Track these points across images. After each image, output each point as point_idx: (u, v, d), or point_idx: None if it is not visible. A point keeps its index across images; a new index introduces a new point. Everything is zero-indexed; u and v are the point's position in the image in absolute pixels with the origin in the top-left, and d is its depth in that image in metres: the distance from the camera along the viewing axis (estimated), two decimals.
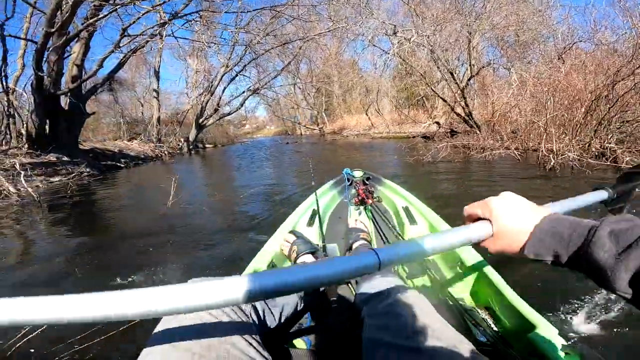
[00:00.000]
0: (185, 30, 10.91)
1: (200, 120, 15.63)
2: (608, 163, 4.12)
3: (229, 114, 17.36)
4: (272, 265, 1.18)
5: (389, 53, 11.40)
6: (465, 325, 0.89)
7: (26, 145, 8.14)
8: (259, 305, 0.72)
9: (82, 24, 8.12)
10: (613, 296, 1.42)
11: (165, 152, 14.22)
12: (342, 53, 22.67)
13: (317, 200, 1.67)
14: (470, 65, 9.23)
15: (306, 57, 19.80)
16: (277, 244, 1.27)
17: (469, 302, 1.07)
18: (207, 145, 18.94)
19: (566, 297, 1.42)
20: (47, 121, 8.42)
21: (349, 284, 1.01)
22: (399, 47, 10.15)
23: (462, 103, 9.16)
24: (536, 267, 1.68)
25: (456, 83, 9.23)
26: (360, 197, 1.98)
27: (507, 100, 6.67)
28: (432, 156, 5.82)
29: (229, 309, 0.62)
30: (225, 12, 10.68)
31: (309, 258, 1.13)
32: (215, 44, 11.95)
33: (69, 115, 9.12)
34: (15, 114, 8.29)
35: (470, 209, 0.49)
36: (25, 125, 8.39)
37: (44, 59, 7.57)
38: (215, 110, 15.81)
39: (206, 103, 15.41)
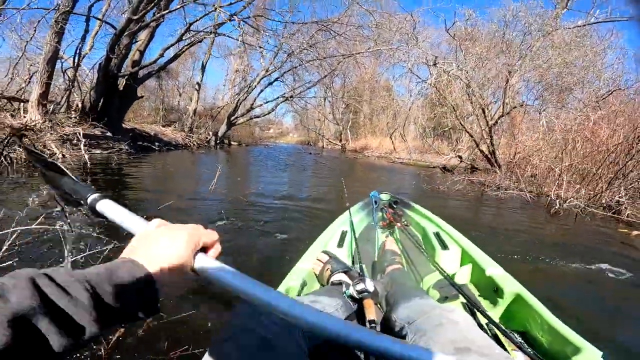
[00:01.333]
0: (237, 31, 11.91)
1: (232, 117, 16.53)
2: (610, 214, 4.48)
3: (259, 116, 18.23)
4: (304, 283, 1.21)
5: (426, 82, 12.02)
6: (503, 347, 0.90)
7: (75, 117, 9.09)
8: None
9: (154, 15, 9.10)
10: None
11: (194, 143, 15.15)
12: (379, 75, 23.50)
13: (350, 222, 1.78)
14: (503, 103, 9.66)
15: (342, 72, 20.67)
16: (309, 262, 1.32)
17: (504, 326, 1.04)
18: (232, 143, 19.87)
19: (610, 318, 1.43)
20: (102, 99, 9.37)
21: (379, 305, 1.06)
22: (437, 77, 10.74)
23: (488, 141, 9.55)
24: (573, 289, 1.85)
25: (486, 120, 9.66)
26: (388, 221, 2.03)
27: (531, 144, 7.09)
28: (448, 187, 6.27)
29: (284, 327, 0.69)
30: (277, 21, 11.54)
31: (342, 277, 1.18)
32: (262, 48, 12.83)
33: (122, 95, 10.10)
34: (78, 87, 9.27)
35: None
36: (82, 99, 9.37)
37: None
38: (248, 110, 16.68)
39: (240, 102, 16.34)
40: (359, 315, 0.98)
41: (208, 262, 0.41)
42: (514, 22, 11.30)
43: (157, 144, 11.64)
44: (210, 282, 0.39)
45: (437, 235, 1.74)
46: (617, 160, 4.92)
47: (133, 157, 8.20)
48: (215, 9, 9.23)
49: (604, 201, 4.95)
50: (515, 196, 5.65)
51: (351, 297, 1.00)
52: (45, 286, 0.29)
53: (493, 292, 1.22)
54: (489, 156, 9.54)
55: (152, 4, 7.69)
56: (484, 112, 9.42)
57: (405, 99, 21.15)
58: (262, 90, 16.29)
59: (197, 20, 9.44)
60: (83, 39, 8.83)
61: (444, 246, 1.61)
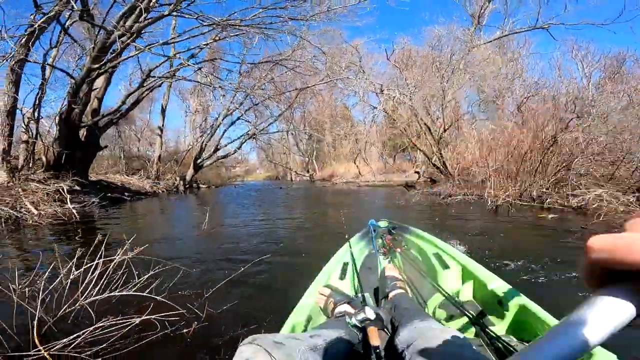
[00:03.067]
0: (194, 71, 12.68)
1: (199, 160, 16.95)
2: (536, 204, 5.54)
3: (226, 156, 18.77)
4: (309, 318, 1.25)
5: (376, 108, 13.40)
6: None
7: (40, 171, 9.19)
8: (310, 355, 0.80)
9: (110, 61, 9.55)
10: None
11: (163, 190, 15.31)
12: (336, 103, 25.16)
13: (351, 253, 1.85)
14: (443, 120, 11.07)
15: (301, 104, 21.96)
16: (312, 298, 1.36)
17: (515, 337, 1.09)
18: (201, 185, 20.07)
19: (530, 273, 1.62)
20: (65, 151, 9.57)
21: (385, 330, 1.10)
22: (384, 104, 12.10)
23: (438, 154, 10.81)
24: (506, 259, 2.14)
25: (432, 136, 10.97)
26: (388, 247, 2.10)
27: (463, 153, 8.34)
28: (406, 201, 7.19)
29: (290, 351, 0.74)
30: (233, 62, 12.50)
31: (346, 307, 1.22)
32: (222, 87, 13.58)
33: (85, 146, 10.32)
34: (40, 140, 9.42)
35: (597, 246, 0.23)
36: (45, 152, 9.53)
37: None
38: (214, 151, 17.21)
39: (205, 144, 16.87)
40: (365, 343, 1.01)
41: None
42: (440, 45, 13.22)
43: (126, 194, 11.79)
44: None
45: (437, 255, 1.81)
46: (532, 160, 6.10)
47: (107, 210, 8.11)
48: (175, 55, 10.02)
49: (534, 194, 6.05)
50: (462, 200, 6.64)
51: (355, 326, 1.04)
52: None
53: (498, 305, 1.26)
54: (441, 168, 10.76)
55: (114, 53, 8.23)
56: (429, 129, 10.74)
57: (363, 125, 22.77)
58: (225, 130, 17.00)
59: (157, 67, 10.11)
60: (41, 88, 8.98)
61: (445, 266, 1.67)
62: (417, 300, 1.48)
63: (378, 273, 1.73)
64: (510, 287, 1.30)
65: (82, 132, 10.44)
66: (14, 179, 7.49)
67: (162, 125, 18.22)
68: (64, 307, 1.44)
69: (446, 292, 1.34)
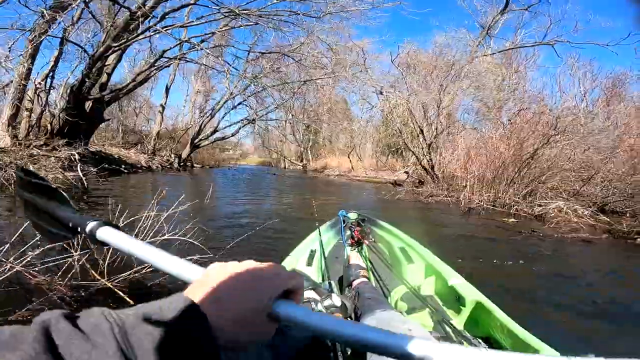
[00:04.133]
0: (201, 53, 13.02)
1: (196, 140, 17.33)
2: (504, 210, 6.22)
3: (223, 138, 19.15)
4: None
5: (375, 107, 13.96)
6: None
7: (43, 138, 9.57)
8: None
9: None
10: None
11: (158, 165, 15.70)
12: (336, 99, 25.59)
13: (320, 241, 1.88)
14: (437, 125, 11.68)
15: (302, 95, 22.33)
16: None
17: (469, 333, 1.13)
18: (195, 165, 20.45)
19: (565, 321, 1.61)
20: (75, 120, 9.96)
21: (349, 319, 1.09)
22: (383, 104, 12.65)
23: (428, 157, 11.42)
24: (470, 252, 2.51)
25: (424, 139, 11.57)
26: (356, 238, 2.14)
27: (450, 159, 9.00)
28: (391, 197, 7.82)
29: None
30: (242, 50, 12.88)
31: (311, 293, 1.23)
32: (228, 71, 13.95)
33: (89, 118, 10.69)
34: (47, 110, 9.78)
35: None
36: (51, 122, 9.90)
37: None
38: (213, 133, 17.59)
39: (204, 125, 17.23)
40: None
41: (292, 309, 0.35)
42: (443, 53, 13.79)
43: (123, 166, 12.19)
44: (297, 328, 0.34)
45: (403, 250, 1.88)
46: (510, 171, 6.76)
47: (104, 180, 8.49)
48: (188, 39, 10.41)
49: (507, 201, 6.71)
50: (442, 201, 7.30)
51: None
52: (59, 335, 0.25)
53: (456, 300, 1.32)
54: (429, 170, 11.39)
55: (136, 33, 8.61)
56: (422, 132, 11.33)
57: (361, 121, 23.31)
58: (226, 113, 17.35)
59: (171, 48, 10.48)
60: (56, 62, 9.43)
61: (410, 260, 1.74)
62: (381, 292, 1.52)
63: (344, 263, 1.77)
64: (469, 284, 1.37)
65: (88, 104, 10.79)
66: (18, 144, 7.90)
67: (165, 103, 18.50)
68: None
69: (410, 285, 1.40)
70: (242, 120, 17.65)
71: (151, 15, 8.65)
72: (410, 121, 11.99)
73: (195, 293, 0.33)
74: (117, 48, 9.23)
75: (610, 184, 6.73)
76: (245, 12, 9.47)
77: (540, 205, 5.92)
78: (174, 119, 26.02)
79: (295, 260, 1.69)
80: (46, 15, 7.07)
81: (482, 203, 6.46)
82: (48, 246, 1.68)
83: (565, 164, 6.94)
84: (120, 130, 19.43)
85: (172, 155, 17.75)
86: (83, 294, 1.64)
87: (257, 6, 9.65)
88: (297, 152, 32.28)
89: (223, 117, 17.62)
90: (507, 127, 9.03)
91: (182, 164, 17.67)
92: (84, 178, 6.16)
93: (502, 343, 1.02)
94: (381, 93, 12.23)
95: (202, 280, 0.36)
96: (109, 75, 11.19)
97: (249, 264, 0.38)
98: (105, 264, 1.81)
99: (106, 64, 10.84)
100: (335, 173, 21.22)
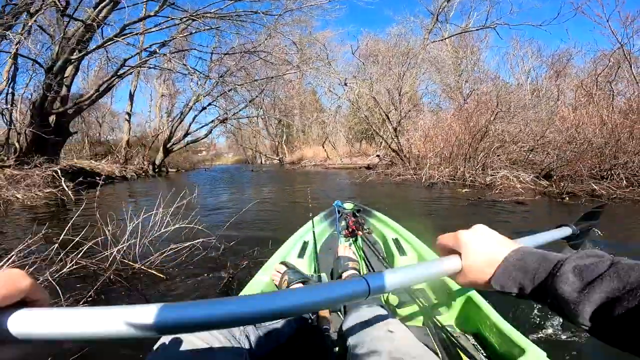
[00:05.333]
0: (162, 58, 13.14)
1: (168, 145, 17.42)
2: (460, 182, 7.09)
3: (196, 140, 19.29)
4: None
5: (341, 97, 14.61)
6: (454, 351, 0.98)
7: (12, 157, 9.60)
8: (250, 330, 0.83)
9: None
10: None
11: (133, 173, 15.76)
12: (305, 89, 26.11)
13: (313, 232, 1.87)
14: (400, 110, 12.52)
15: (271, 90, 22.65)
16: (268, 275, 1.37)
17: (458, 328, 1.16)
18: (170, 170, 20.48)
19: (551, 320, 1.58)
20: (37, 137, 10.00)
21: (339, 313, 1.12)
22: (348, 95, 13.33)
23: (395, 140, 12.27)
24: (429, 219, 2.77)
25: (390, 124, 12.39)
26: (350, 229, 2.11)
27: (413, 141, 9.90)
28: (362, 180, 8.58)
29: (218, 334, 0.71)
30: (205, 52, 13.11)
31: (300, 287, 1.16)
32: (191, 75, 14.11)
33: (54, 133, 10.71)
34: (14, 128, 9.78)
35: (442, 239, 0.52)
36: (18, 139, 9.91)
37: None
38: (185, 136, 17.72)
39: (175, 129, 17.34)
40: (316, 325, 1.05)
41: (41, 317, 0.28)
42: (398, 42, 14.62)
43: (97, 178, 12.24)
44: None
45: (396, 241, 1.86)
46: (464, 148, 7.66)
47: (85, 194, 8.62)
48: (150, 46, 10.61)
49: (465, 174, 7.60)
50: (408, 179, 8.12)
51: None
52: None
53: (447, 295, 1.31)
54: (398, 152, 12.25)
55: (94, 45, 8.76)
56: (387, 117, 12.13)
57: (331, 111, 23.97)
58: (196, 116, 17.49)
59: (132, 57, 10.62)
60: (13, 78, 9.41)
61: (402, 252, 1.73)
62: None
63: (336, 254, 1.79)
64: None
65: (52, 119, 10.79)
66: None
67: (130, 110, 18.38)
68: (142, 239, 2.50)
69: None
70: (213, 120, 17.87)
71: (103, 24, 8.82)
72: (375, 108, 12.76)
73: None
74: (75, 60, 9.35)
75: (552, 152, 7.70)
76: (203, 15, 9.77)
77: (490, 175, 6.81)
78: (142, 125, 25.69)
79: (287, 252, 1.71)
80: None
81: (442, 178, 7.32)
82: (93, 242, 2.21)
83: (509, 137, 7.89)
84: (87, 142, 19.15)
85: (145, 163, 17.76)
86: (126, 276, 2.20)
87: (217, 7, 9.93)
88: (272, 146, 32.61)
89: (193, 120, 17.73)
90: (462, 107, 9.92)
91: (156, 170, 17.74)
92: (70, 192, 6.45)
93: (490, 339, 1.03)
94: (345, 84, 12.89)
95: None
96: (68, 87, 11.19)
97: None
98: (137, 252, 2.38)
99: (65, 76, 10.85)
100: (311, 164, 21.88)
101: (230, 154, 46.07)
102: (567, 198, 5.04)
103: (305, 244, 1.81)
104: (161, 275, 2.19)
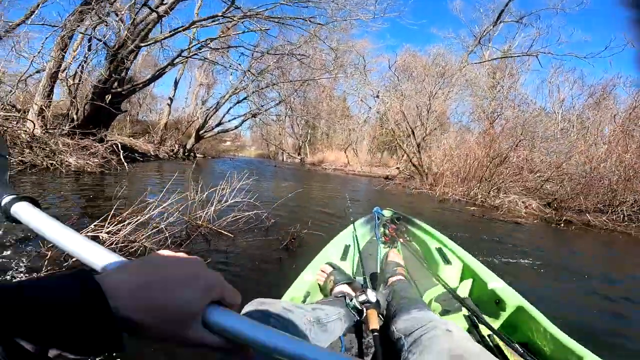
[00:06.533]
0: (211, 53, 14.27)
1: (201, 132, 18.60)
2: (471, 201, 7.73)
3: (226, 130, 20.44)
4: (307, 294, 1.34)
5: (372, 109, 15.39)
6: (503, 358, 1.00)
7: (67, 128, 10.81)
8: (314, 326, 0.89)
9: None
10: None
11: (165, 154, 17.01)
12: (336, 96, 27.00)
13: (355, 236, 1.96)
14: (426, 127, 13.16)
15: (303, 91, 23.61)
16: (313, 274, 1.44)
17: (506, 337, 1.12)
18: (197, 155, 21.71)
19: (610, 330, 1.65)
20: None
21: (381, 316, 1.12)
22: (378, 106, 14.10)
23: (417, 155, 12.91)
24: (576, 302, 2.21)
25: (414, 139, 13.05)
26: (390, 236, 2.15)
27: (434, 158, 10.57)
28: (381, 188, 9.31)
29: (294, 317, 0.80)
30: (245, 47, 14.12)
31: (345, 288, 1.29)
32: (235, 69, 15.08)
33: (108, 109, 11.95)
34: (76, 102, 11.03)
35: None
36: (76, 113, 11.16)
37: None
38: (217, 125, 18.87)
39: (210, 117, 18.50)
40: (361, 325, 1.09)
41: (228, 317, 0.33)
42: (438, 61, 15.28)
43: (136, 154, 13.51)
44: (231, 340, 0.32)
45: (440, 250, 1.87)
46: (480, 171, 8.29)
47: (134, 166, 9.70)
48: (201, 42, 11.72)
49: (476, 194, 8.21)
50: (423, 193, 8.81)
51: (354, 308, 1.09)
52: None
53: (495, 304, 1.31)
54: (418, 167, 12.88)
55: (162, 34, 9.88)
56: (413, 133, 12.80)
57: (360, 120, 24.76)
58: (231, 107, 18.60)
59: (189, 47, 11.74)
60: (85, 57, 10.69)
61: (447, 261, 1.73)
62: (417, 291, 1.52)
63: (377, 260, 1.80)
64: (510, 288, 1.35)
65: (108, 97, 12.04)
66: (46, 133, 9.17)
67: (173, 96, 19.72)
68: (214, 205, 3.33)
69: (447, 286, 1.39)
70: (245, 114, 18.94)
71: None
72: (402, 122, 13.46)
73: (127, 272, 0.30)
74: (144, 46, 10.50)
75: (565, 183, 8.21)
76: (256, 14, 10.73)
77: (499, 198, 7.42)
78: (177, 110, 27.18)
79: (329, 254, 1.74)
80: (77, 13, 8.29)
81: (454, 195, 7.98)
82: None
83: (528, 165, 8.45)
84: (129, 121, 20.59)
85: (177, 145, 19.02)
86: (204, 233, 3.04)
87: (267, 7, 10.85)
88: (294, 145, 33.60)
89: (228, 111, 18.84)
90: (486, 131, 10.50)
91: (186, 153, 18.96)
92: (126, 165, 7.48)
93: (543, 349, 1.03)
94: (377, 97, 13.69)
95: (136, 264, 0.32)
96: (127, 70, 12.44)
97: (189, 259, 0.35)
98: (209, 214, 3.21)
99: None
100: (332, 167, 22.65)
101: (253, 147, 47.34)
102: (562, 225, 5.64)
103: (347, 247, 1.88)
104: (230, 235, 3.02)
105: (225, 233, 3.02)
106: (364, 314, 1.06)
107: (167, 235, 2.49)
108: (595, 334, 1.86)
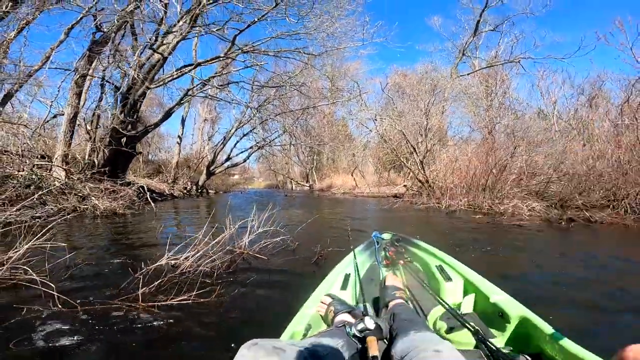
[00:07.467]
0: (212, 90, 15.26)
1: (211, 167, 19.43)
2: (476, 209, 8.15)
3: (235, 165, 21.30)
4: (309, 327, 1.34)
5: (372, 131, 16.11)
6: None
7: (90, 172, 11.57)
8: (307, 354, 0.88)
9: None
10: None
11: (179, 192, 17.76)
12: (336, 119, 28.00)
13: (355, 264, 1.99)
14: (426, 143, 13.75)
15: (304, 119, 24.62)
16: (314, 306, 1.46)
17: (514, 350, 1.14)
18: (209, 191, 22.50)
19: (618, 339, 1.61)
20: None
21: (384, 340, 1.14)
22: (378, 128, 14.81)
23: (421, 171, 13.42)
24: (582, 312, 2.10)
25: (417, 156, 13.60)
26: (391, 259, 2.18)
27: (435, 171, 11.12)
28: (389, 207, 9.79)
29: (289, 347, 0.82)
30: (244, 82, 15.05)
31: (346, 317, 1.30)
32: (237, 103, 15.97)
33: (125, 152, 12.76)
34: (96, 146, 11.82)
35: (633, 352, 0.42)
36: (97, 157, 11.96)
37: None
38: (227, 160, 19.72)
39: (218, 152, 19.38)
40: (364, 353, 1.08)
41: None
42: (425, 78, 16.12)
43: (153, 194, 14.22)
44: None
45: (440, 268, 1.90)
46: (481, 181, 8.77)
47: (151, 208, 10.05)
48: (203, 81, 12.67)
49: (481, 203, 8.63)
50: (431, 207, 9.26)
51: (355, 336, 1.12)
52: None
53: (499, 317, 1.33)
54: (423, 182, 13.34)
55: (170, 76, 10.82)
56: (415, 150, 13.37)
57: (361, 143, 25.58)
58: (238, 141, 19.52)
59: (195, 86, 12.65)
60: (100, 100, 11.59)
61: (447, 278, 1.77)
62: (419, 313, 1.53)
63: (379, 285, 1.78)
64: (512, 299, 1.38)
65: (123, 139, 12.92)
66: (85, 179, 9.91)
67: (181, 134, 20.78)
68: (248, 234, 3.86)
69: (447, 304, 1.41)
70: (252, 146, 19.81)
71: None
72: (403, 141, 14.11)
73: None
74: (152, 89, 11.44)
75: (566, 183, 8.58)
76: (252, 50, 11.63)
77: (503, 204, 7.85)
78: (184, 147, 28.32)
79: (329, 285, 1.76)
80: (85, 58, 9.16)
81: (460, 206, 8.44)
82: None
83: (528, 170, 8.92)
84: (141, 162, 21.58)
85: (189, 183, 19.83)
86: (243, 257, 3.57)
87: (261, 41, 11.74)
88: (302, 173, 34.40)
89: (235, 145, 19.73)
90: (484, 140, 11.05)
91: (199, 190, 19.73)
92: (154, 205, 8.10)
93: (553, 357, 1.04)
94: (375, 120, 14.47)
95: None
96: (138, 111, 13.39)
97: None
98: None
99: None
100: (340, 191, 23.17)
101: (261, 178, 48.33)
102: (564, 222, 6.06)
103: (347, 277, 1.87)
104: (264, 257, 3.54)
105: (260, 256, 3.53)
106: (365, 342, 1.09)
107: (219, 263, 3.03)
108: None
